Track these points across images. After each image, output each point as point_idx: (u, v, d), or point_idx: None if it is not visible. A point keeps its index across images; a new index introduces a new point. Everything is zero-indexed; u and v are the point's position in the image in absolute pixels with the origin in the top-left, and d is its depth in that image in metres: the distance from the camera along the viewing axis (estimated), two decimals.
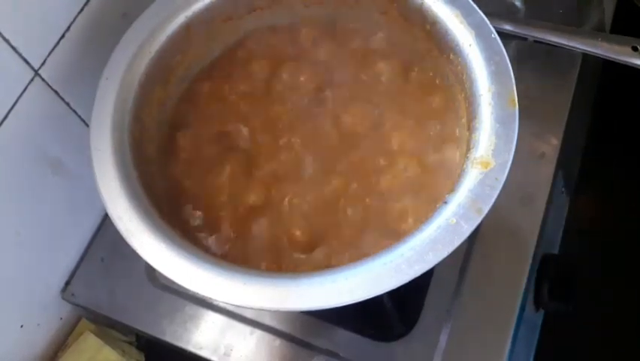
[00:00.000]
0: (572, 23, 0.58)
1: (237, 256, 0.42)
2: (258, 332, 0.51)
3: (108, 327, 0.57)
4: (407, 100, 0.47)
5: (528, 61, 0.56)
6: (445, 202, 0.37)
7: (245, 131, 0.47)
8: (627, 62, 0.51)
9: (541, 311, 0.60)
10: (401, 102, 0.47)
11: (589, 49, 0.52)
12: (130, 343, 0.58)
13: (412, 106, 0.46)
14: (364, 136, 0.46)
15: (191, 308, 0.53)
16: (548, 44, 0.53)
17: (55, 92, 0.47)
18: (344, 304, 0.34)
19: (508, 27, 0.54)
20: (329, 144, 0.46)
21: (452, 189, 0.37)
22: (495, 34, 0.41)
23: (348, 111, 0.47)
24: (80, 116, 0.51)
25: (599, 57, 0.52)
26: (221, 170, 0.45)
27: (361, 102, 0.47)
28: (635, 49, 0.51)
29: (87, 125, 0.50)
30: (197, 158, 0.46)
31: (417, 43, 0.46)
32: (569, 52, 0.53)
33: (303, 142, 0.45)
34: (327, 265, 0.40)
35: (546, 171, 0.53)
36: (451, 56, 0.43)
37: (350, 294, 0.34)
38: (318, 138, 0.46)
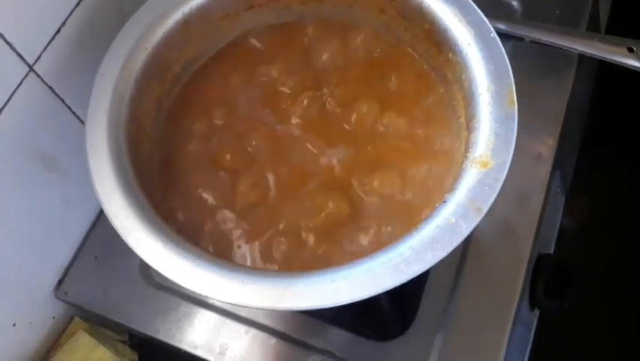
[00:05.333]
0: (569, 24, 0.59)
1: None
2: (253, 331, 0.51)
3: (101, 326, 0.57)
4: (404, 100, 0.47)
5: (525, 61, 0.56)
6: (444, 202, 0.36)
7: (243, 127, 0.46)
8: (622, 62, 0.51)
9: (537, 311, 0.60)
10: (398, 102, 0.47)
11: (585, 49, 0.52)
12: (123, 342, 0.57)
13: (409, 106, 0.46)
14: (361, 135, 0.45)
15: (185, 307, 0.52)
16: (545, 45, 0.53)
17: (50, 88, 0.47)
18: (343, 303, 0.34)
19: (505, 27, 0.54)
20: (326, 142, 0.45)
21: (451, 189, 0.37)
22: (494, 34, 0.41)
23: (345, 111, 0.46)
24: (74, 113, 0.50)
25: (595, 58, 0.52)
26: (219, 167, 0.45)
27: (359, 100, 0.47)
28: (630, 50, 0.51)
29: (82, 122, 0.50)
30: (194, 155, 0.46)
31: (416, 42, 0.46)
32: (565, 52, 0.53)
33: (301, 139, 0.45)
34: (326, 263, 0.40)
35: (542, 171, 0.53)
36: (450, 55, 0.43)
37: (349, 293, 0.34)
38: (316, 134, 0.46)
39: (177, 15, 0.46)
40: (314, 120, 0.46)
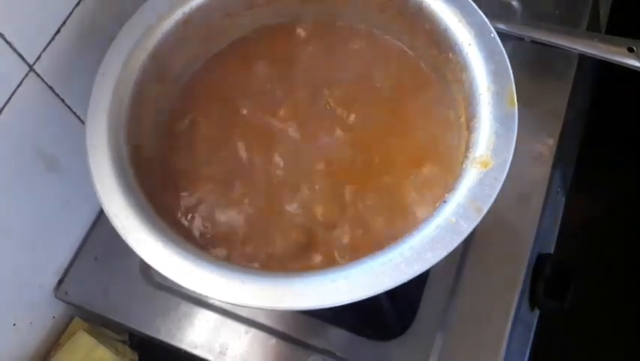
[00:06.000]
0: (569, 24, 0.59)
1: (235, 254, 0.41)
2: (253, 331, 0.51)
3: (101, 326, 0.57)
4: (404, 100, 0.47)
5: (525, 61, 0.56)
6: (445, 201, 0.37)
7: (243, 127, 0.46)
8: (623, 62, 0.51)
9: (537, 311, 0.60)
10: (398, 102, 0.47)
11: (585, 49, 0.52)
12: (123, 342, 0.57)
13: (409, 106, 0.46)
14: (361, 134, 0.45)
15: (185, 307, 0.52)
16: (545, 45, 0.53)
17: (50, 87, 0.47)
18: (343, 303, 0.34)
19: (505, 27, 0.54)
20: (325, 142, 0.45)
21: (451, 189, 0.37)
22: (494, 34, 0.41)
23: (346, 110, 0.46)
24: (74, 113, 0.50)
25: (595, 58, 0.52)
26: (219, 167, 0.45)
27: (359, 100, 0.47)
28: (630, 50, 0.51)
29: (82, 122, 0.50)
30: (194, 154, 0.46)
31: (416, 41, 0.46)
32: (565, 52, 0.53)
33: (300, 139, 0.45)
34: (326, 263, 0.40)
35: (542, 171, 0.53)
36: (450, 55, 0.43)
37: (349, 293, 0.34)
38: (315, 134, 0.46)
39: (177, 15, 0.46)
40: (313, 120, 0.46)
